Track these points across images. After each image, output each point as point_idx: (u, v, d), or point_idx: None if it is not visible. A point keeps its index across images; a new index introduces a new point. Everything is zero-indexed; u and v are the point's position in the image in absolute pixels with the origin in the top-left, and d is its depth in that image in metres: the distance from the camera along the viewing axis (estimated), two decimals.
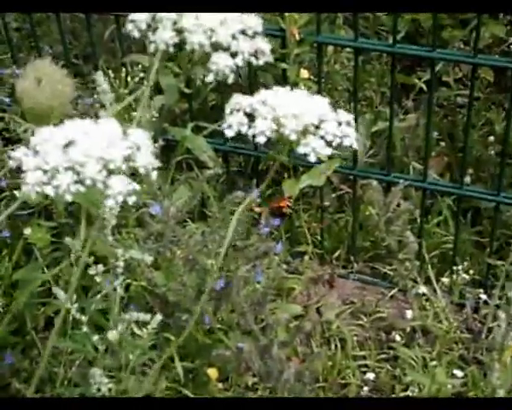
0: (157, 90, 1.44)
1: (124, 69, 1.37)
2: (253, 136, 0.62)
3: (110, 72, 1.35)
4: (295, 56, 1.41)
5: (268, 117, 0.62)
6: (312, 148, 0.61)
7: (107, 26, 1.83)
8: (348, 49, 1.74)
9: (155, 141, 1.38)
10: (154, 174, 0.59)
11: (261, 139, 0.61)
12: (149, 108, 1.41)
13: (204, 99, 1.65)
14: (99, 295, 1.08)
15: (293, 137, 0.62)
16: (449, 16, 1.86)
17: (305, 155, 0.61)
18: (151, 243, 1.22)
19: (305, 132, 0.62)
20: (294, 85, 1.42)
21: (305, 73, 1.43)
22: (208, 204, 1.52)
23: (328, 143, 0.62)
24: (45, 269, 1.32)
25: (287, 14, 1.37)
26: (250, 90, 1.49)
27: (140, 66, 1.36)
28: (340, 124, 0.63)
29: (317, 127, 0.62)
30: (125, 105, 1.02)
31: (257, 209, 1.48)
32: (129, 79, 1.35)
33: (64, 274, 1.26)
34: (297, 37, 1.37)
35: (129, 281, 1.24)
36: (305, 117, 0.62)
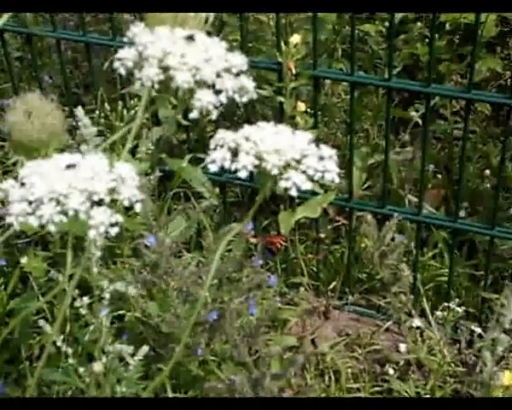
0: (155, 120, 1.45)
1: (120, 101, 1.38)
2: (236, 170, 0.62)
3: (106, 104, 1.37)
4: (292, 90, 1.42)
5: (251, 152, 0.63)
6: (293, 182, 0.62)
7: (107, 57, 1.85)
8: (346, 82, 1.76)
9: (152, 171, 1.40)
10: (138, 207, 0.60)
11: (243, 174, 0.62)
12: (147, 139, 1.42)
13: (202, 130, 1.67)
14: (92, 327, 1.09)
15: (275, 171, 0.62)
16: (447, 50, 1.88)
17: (286, 189, 0.62)
18: (145, 273, 1.23)
19: (286, 167, 0.63)
20: (291, 118, 1.43)
21: (301, 106, 1.44)
22: (205, 235, 1.53)
23: (310, 178, 0.62)
24: (41, 298, 1.33)
25: (284, 47, 1.38)
26: (248, 122, 1.51)
27: (136, 99, 1.38)
28: (322, 159, 0.64)
29: (299, 162, 0.63)
30: (120, 137, 1.02)
31: (252, 240, 1.48)
32: (124, 111, 1.36)
33: (58, 304, 1.26)
34: (293, 70, 1.39)
35: (123, 311, 1.25)
36: (288, 152, 0.63)
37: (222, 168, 0.63)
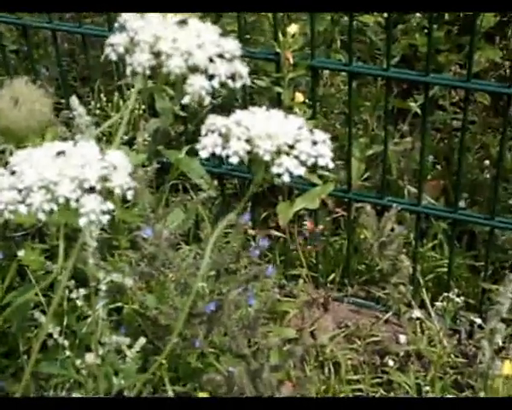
0: (152, 112, 1.44)
1: (116, 93, 1.37)
2: (227, 156, 0.61)
3: (102, 95, 1.35)
4: (290, 80, 1.41)
5: (242, 137, 0.61)
6: (286, 168, 0.60)
7: (104, 49, 1.83)
8: (344, 73, 1.75)
9: (150, 163, 1.39)
10: (130, 194, 0.59)
11: (234, 160, 0.61)
12: (144, 131, 1.41)
13: (199, 122, 1.66)
14: (89, 319, 1.08)
15: (267, 157, 0.61)
16: (446, 40, 1.87)
17: (279, 175, 0.60)
18: (143, 265, 1.22)
19: (279, 153, 0.61)
20: (289, 109, 1.42)
21: (299, 97, 1.43)
22: (203, 227, 1.52)
23: (303, 163, 0.61)
24: (38, 291, 1.32)
25: (281, 38, 1.37)
26: None
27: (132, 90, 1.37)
28: (315, 143, 0.62)
29: (292, 147, 0.62)
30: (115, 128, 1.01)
31: (250, 232, 1.48)
32: (121, 102, 1.35)
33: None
34: (291, 61, 1.38)
35: (120, 304, 1.24)
36: (280, 137, 0.61)
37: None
